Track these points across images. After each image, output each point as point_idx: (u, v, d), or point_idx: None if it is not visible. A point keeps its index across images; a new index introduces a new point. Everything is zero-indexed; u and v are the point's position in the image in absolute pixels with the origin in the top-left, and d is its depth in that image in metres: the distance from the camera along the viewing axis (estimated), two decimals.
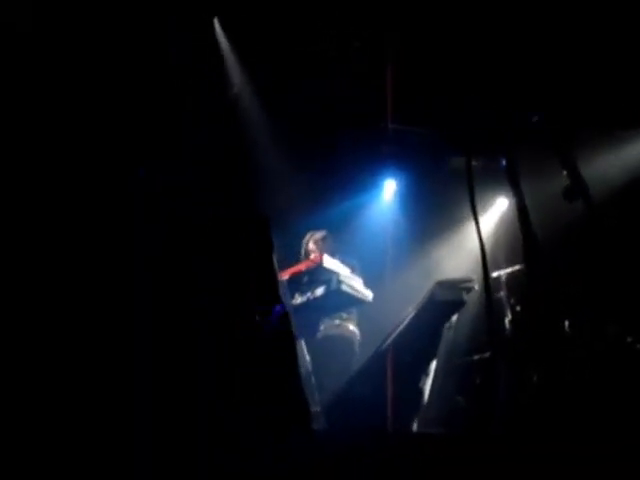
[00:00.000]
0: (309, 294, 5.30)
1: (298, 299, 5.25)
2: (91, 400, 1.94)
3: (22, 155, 2.05)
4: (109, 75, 2.16)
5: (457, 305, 4.95)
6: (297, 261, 5.59)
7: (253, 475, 2.07)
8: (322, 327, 5.54)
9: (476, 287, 4.84)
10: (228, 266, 2.28)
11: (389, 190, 7.40)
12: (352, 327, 5.63)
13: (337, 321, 5.57)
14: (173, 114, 2.26)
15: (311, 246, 5.81)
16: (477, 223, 1.98)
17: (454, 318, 5.19)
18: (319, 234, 5.87)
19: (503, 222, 6.82)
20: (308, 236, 5.88)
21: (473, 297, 5.01)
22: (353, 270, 5.53)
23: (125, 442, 1.92)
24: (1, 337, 1.91)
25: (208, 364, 2.13)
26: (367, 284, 5.54)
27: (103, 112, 2.15)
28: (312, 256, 5.58)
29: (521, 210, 2.00)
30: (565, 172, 2.08)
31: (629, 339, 4.74)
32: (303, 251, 5.84)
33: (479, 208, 2.12)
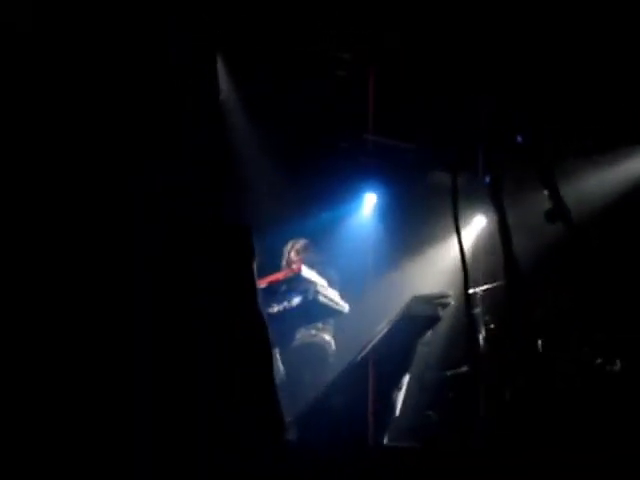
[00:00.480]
0: (285, 303, 5.30)
1: (275, 308, 5.25)
2: (91, 400, 1.92)
3: (21, 155, 2.03)
4: (108, 74, 2.16)
5: (432, 320, 4.97)
6: (276, 270, 5.59)
7: (252, 475, 2.07)
8: (298, 336, 5.54)
9: (452, 303, 4.88)
10: (226, 267, 2.28)
11: (369, 203, 7.44)
12: (328, 337, 5.64)
13: (313, 331, 5.57)
14: (173, 114, 2.25)
15: (292, 255, 5.81)
16: (460, 239, 2.00)
17: (429, 333, 5.22)
18: (301, 243, 5.88)
19: (480, 240, 6.88)
20: (290, 245, 5.89)
21: (448, 313, 5.05)
22: (331, 281, 5.54)
23: (125, 442, 1.91)
24: (1, 337, 1.89)
25: (207, 364, 2.12)
26: (344, 296, 5.55)
27: (103, 111, 2.14)
28: (293, 265, 5.59)
29: (502, 228, 2.02)
30: (547, 194, 2.11)
31: (599, 360, 4.81)
32: (285, 259, 5.85)
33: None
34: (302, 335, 5.55)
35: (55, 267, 1.98)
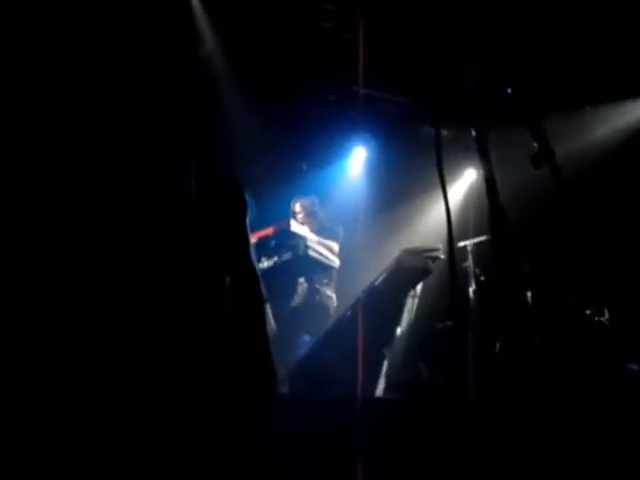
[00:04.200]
0: (276, 258, 5.32)
1: (265, 263, 5.27)
2: (75, 401, 1.94)
3: (20, 154, 2.02)
4: (100, 66, 2.13)
5: (423, 273, 4.99)
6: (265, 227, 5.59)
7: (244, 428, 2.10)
8: (300, 290, 5.56)
9: (442, 256, 4.88)
10: (219, 220, 2.29)
11: (359, 157, 7.38)
12: (329, 292, 5.66)
13: (317, 285, 5.58)
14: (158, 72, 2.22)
15: (298, 210, 5.80)
16: (445, 194, 1.98)
17: (419, 286, 5.24)
18: (307, 199, 5.88)
19: (471, 193, 6.87)
20: (298, 201, 5.86)
21: (439, 266, 5.06)
22: (338, 237, 5.62)
23: (118, 440, 1.94)
24: (1, 337, 1.91)
25: (200, 315, 2.14)
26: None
27: (100, 108, 2.12)
28: (307, 220, 5.64)
29: (489, 181, 2.00)
30: (533, 140, 2.09)
31: (588, 312, 4.86)
32: (296, 214, 5.83)
33: (449, 178, 2.13)
34: (304, 290, 5.55)
35: (54, 267, 1.99)
